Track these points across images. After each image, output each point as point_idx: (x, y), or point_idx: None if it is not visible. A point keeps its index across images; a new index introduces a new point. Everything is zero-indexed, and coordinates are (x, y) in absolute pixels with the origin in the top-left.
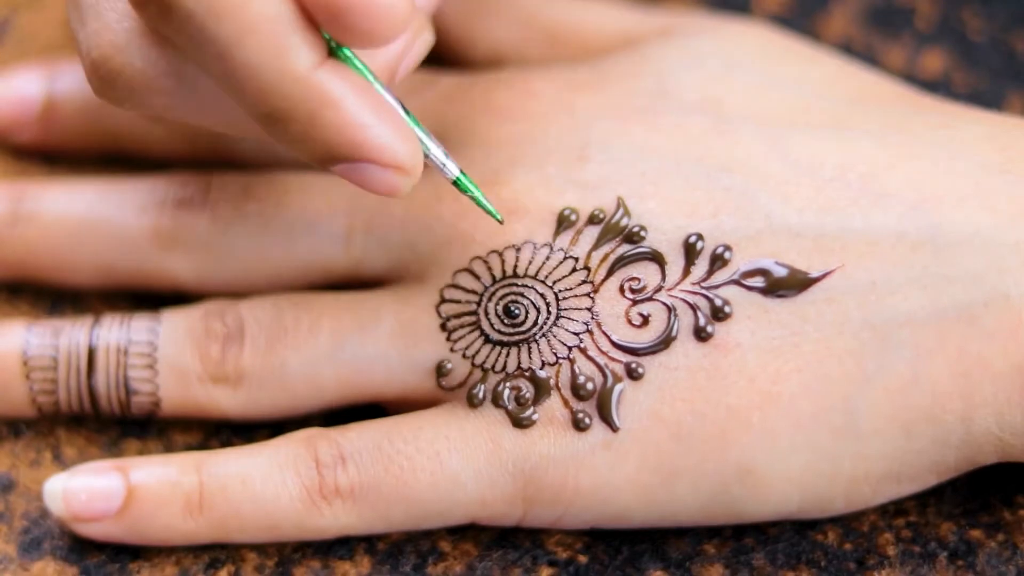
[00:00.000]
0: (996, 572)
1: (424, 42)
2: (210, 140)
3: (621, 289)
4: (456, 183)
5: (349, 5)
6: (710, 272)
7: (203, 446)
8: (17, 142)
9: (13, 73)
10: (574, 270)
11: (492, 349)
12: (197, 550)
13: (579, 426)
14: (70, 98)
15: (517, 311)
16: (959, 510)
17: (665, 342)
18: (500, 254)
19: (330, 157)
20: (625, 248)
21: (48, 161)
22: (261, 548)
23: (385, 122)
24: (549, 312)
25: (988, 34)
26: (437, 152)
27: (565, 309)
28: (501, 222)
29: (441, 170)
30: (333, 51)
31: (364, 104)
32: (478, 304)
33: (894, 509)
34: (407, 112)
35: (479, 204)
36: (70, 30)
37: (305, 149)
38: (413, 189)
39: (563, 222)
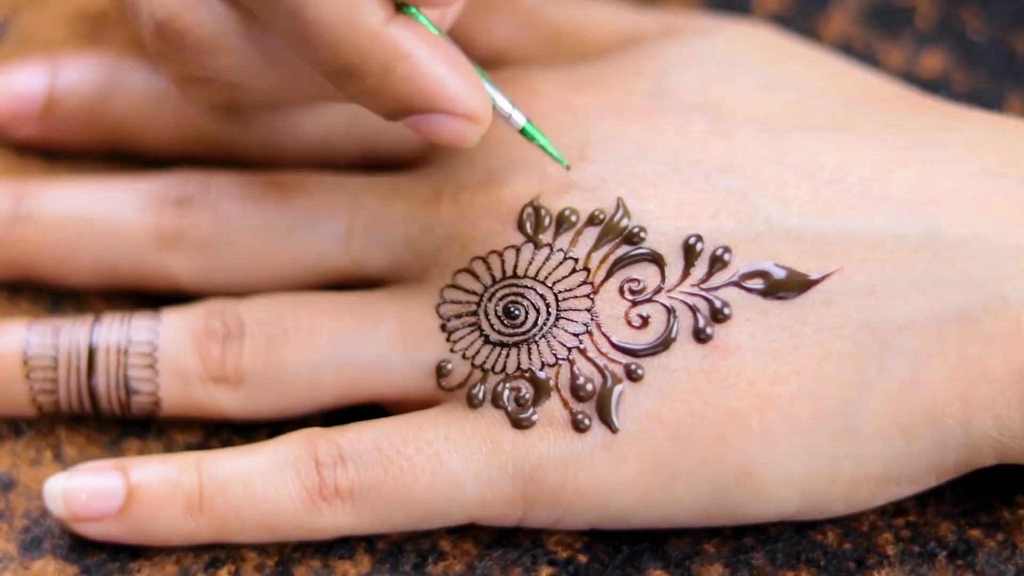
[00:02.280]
0: (995, 571)
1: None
2: (211, 137)
3: (621, 290)
4: (523, 131)
5: None
6: (709, 274)
7: (203, 446)
8: (18, 137)
9: (14, 68)
10: (574, 271)
11: (492, 350)
12: (197, 549)
13: (579, 427)
14: (72, 93)
15: (517, 312)
16: (958, 510)
17: (664, 343)
18: (500, 254)
19: (404, 109)
20: (625, 249)
21: (48, 159)
22: (261, 547)
23: (456, 73)
24: (549, 313)
25: (988, 34)
26: (504, 103)
27: (565, 310)
28: (568, 168)
29: (507, 120)
30: (399, 7)
31: (436, 56)
32: (478, 305)
33: (893, 509)
34: (474, 64)
35: (547, 151)
36: (72, 28)
37: (379, 102)
38: (414, 190)
39: (563, 223)
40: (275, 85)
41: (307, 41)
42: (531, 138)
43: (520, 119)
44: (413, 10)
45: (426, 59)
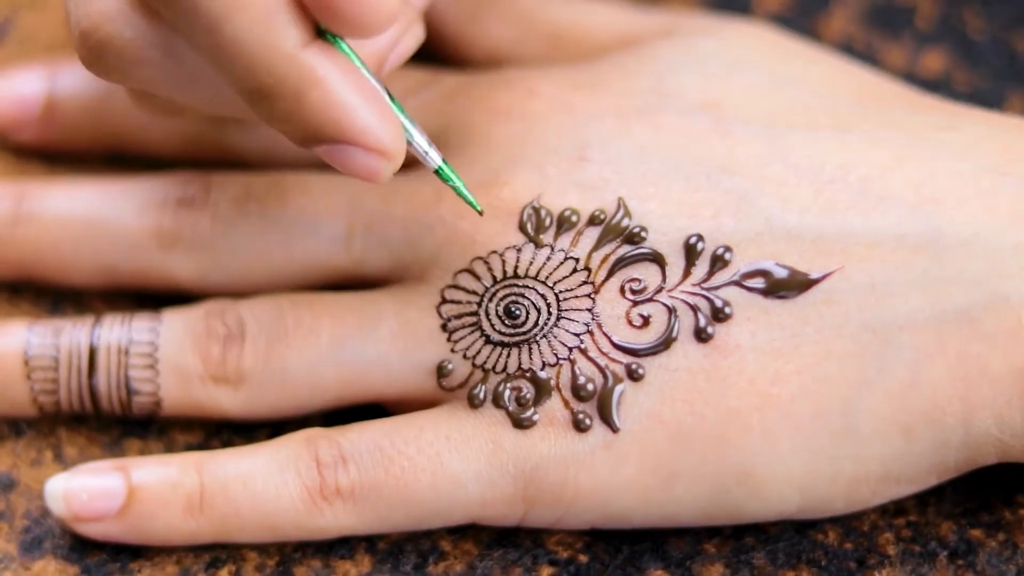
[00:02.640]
0: (996, 571)
1: (414, 36)
2: (211, 140)
3: (622, 290)
4: (438, 172)
5: None
6: (710, 273)
7: (204, 446)
8: (18, 141)
9: (14, 72)
10: (575, 271)
11: (493, 350)
12: (198, 549)
13: (580, 427)
14: (71, 97)
15: (518, 312)
16: (959, 509)
17: (665, 343)
18: (501, 255)
19: (314, 137)
20: (626, 249)
21: (49, 161)
22: (262, 547)
23: (370, 105)
24: (550, 313)
25: (989, 34)
26: (420, 140)
27: (566, 310)
28: (481, 213)
29: (423, 159)
30: (321, 34)
31: (350, 86)
32: (479, 305)
33: (894, 509)
34: (392, 99)
35: (459, 194)
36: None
37: (290, 128)
38: (414, 191)
39: (564, 223)
40: (200, 100)
41: (222, 58)
42: (446, 179)
43: (436, 159)
44: (335, 38)
45: (339, 88)
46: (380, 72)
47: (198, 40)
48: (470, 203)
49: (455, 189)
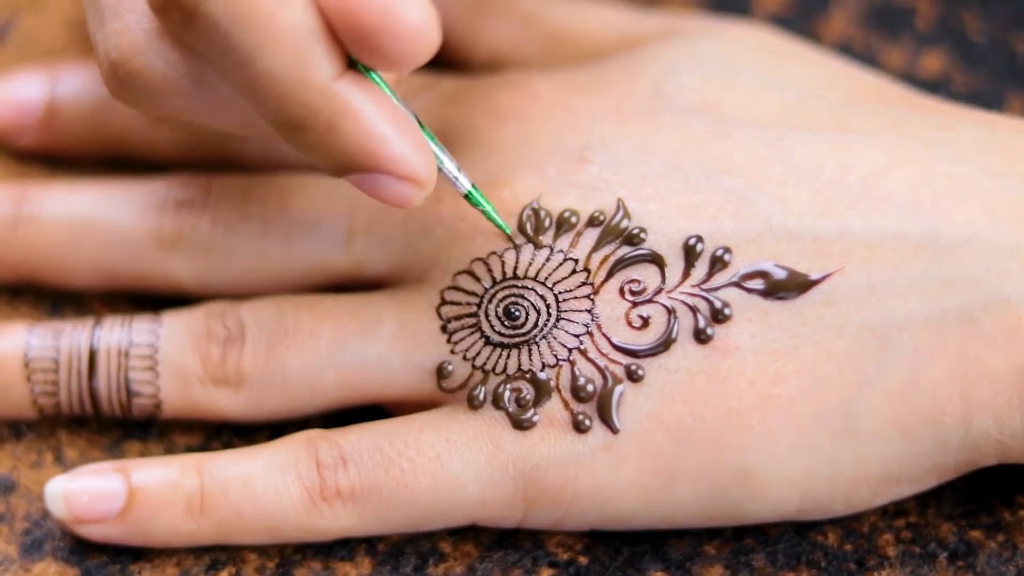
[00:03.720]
0: (996, 573)
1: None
2: (212, 144)
3: (621, 291)
4: (468, 197)
5: (377, 30)
6: (710, 274)
7: (204, 448)
8: (19, 145)
9: (15, 76)
10: (574, 272)
11: (492, 351)
12: (198, 551)
13: (579, 428)
14: (72, 102)
15: (517, 313)
16: (959, 511)
17: (665, 344)
18: (500, 256)
19: (347, 167)
20: (625, 250)
21: (49, 163)
22: (262, 549)
23: (402, 134)
24: (549, 314)
25: (988, 35)
26: (450, 166)
27: (565, 311)
28: (511, 237)
29: (454, 184)
30: (352, 64)
31: (382, 116)
32: (478, 306)
33: (894, 510)
34: (421, 125)
35: (490, 218)
36: (73, 32)
37: (322, 158)
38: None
39: (563, 224)
40: (229, 127)
41: (255, 91)
42: (475, 204)
43: (466, 183)
44: (366, 68)
45: (372, 118)
46: (395, 81)
47: (230, 73)
48: (500, 227)
49: (485, 214)
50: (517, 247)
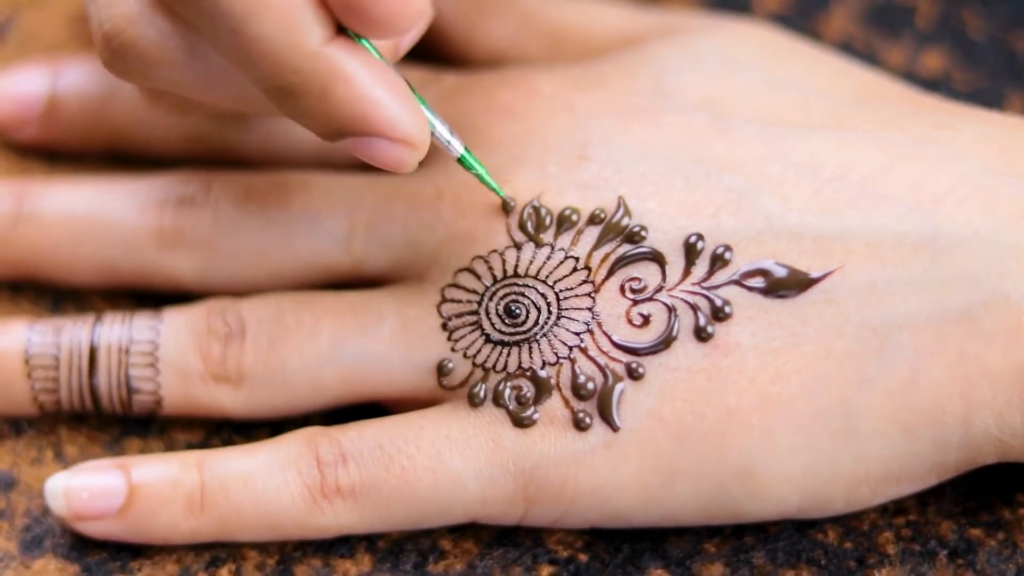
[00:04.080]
0: (996, 571)
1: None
2: (212, 139)
3: (622, 289)
4: (461, 160)
5: None
6: (710, 272)
7: (204, 444)
8: (19, 139)
9: (16, 71)
10: (575, 270)
11: (493, 349)
12: (198, 548)
13: (580, 426)
14: (73, 96)
15: (518, 311)
16: (959, 509)
17: (665, 342)
18: (501, 254)
19: (341, 131)
20: (626, 248)
21: (50, 159)
22: (262, 546)
23: (396, 97)
24: (550, 312)
25: (988, 33)
26: (443, 130)
27: (566, 309)
28: (506, 200)
29: (446, 148)
30: (343, 29)
31: (375, 79)
32: (479, 304)
33: (894, 508)
34: (413, 90)
35: (483, 181)
36: (73, 28)
37: (316, 123)
38: (415, 190)
39: (564, 222)
40: (224, 99)
41: (247, 58)
42: (469, 167)
43: (458, 147)
44: (354, 34)
45: (365, 82)
46: (394, 59)
47: (221, 41)
48: (494, 189)
49: (479, 176)
50: (518, 245)
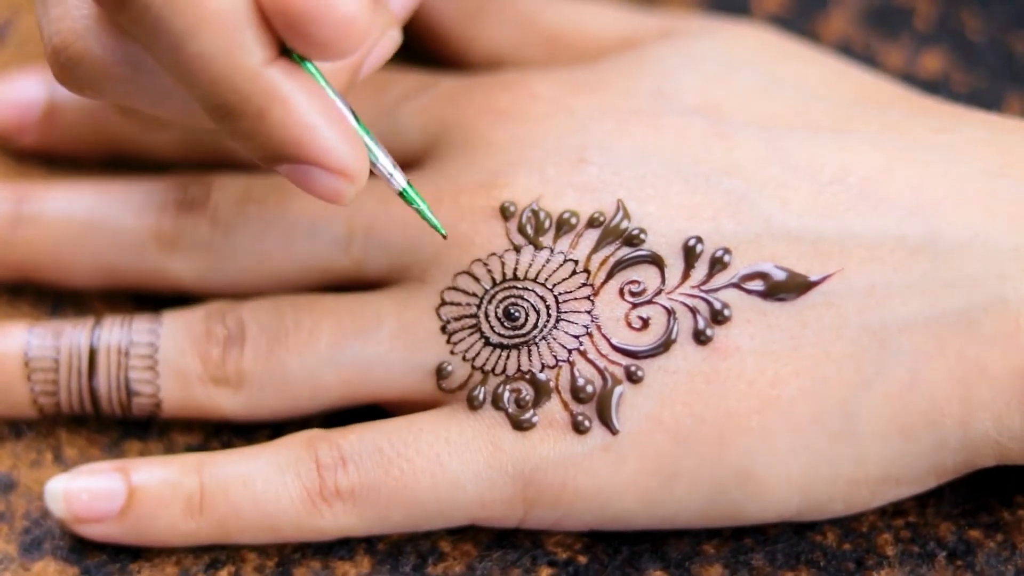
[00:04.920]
0: (995, 572)
1: (391, 40)
2: (211, 143)
3: (621, 292)
4: (402, 194)
5: (305, 16)
6: (709, 275)
7: (204, 447)
8: (19, 145)
9: (15, 76)
10: (574, 273)
11: (492, 351)
12: (197, 550)
13: (579, 429)
14: (72, 102)
15: (517, 314)
16: (958, 510)
17: (665, 345)
18: (500, 257)
19: (276, 156)
20: (625, 251)
21: (49, 162)
22: (261, 548)
23: (333, 126)
24: (549, 315)
25: (987, 34)
26: (385, 162)
27: (565, 312)
28: (445, 237)
29: (388, 180)
30: (287, 52)
31: (313, 105)
32: (478, 307)
33: (893, 509)
34: (357, 120)
35: (424, 217)
36: None
37: (253, 146)
38: (415, 189)
39: (563, 225)
40: (172, 113)
41: (187, 75)
42: (410, 202)
43: (400, 181)
44: (299, 58)
45: (302, 107)
46: (355, 80)
47: (163, 56)
48: (434, 226)
49: (419, 212)
50: (517, 248)
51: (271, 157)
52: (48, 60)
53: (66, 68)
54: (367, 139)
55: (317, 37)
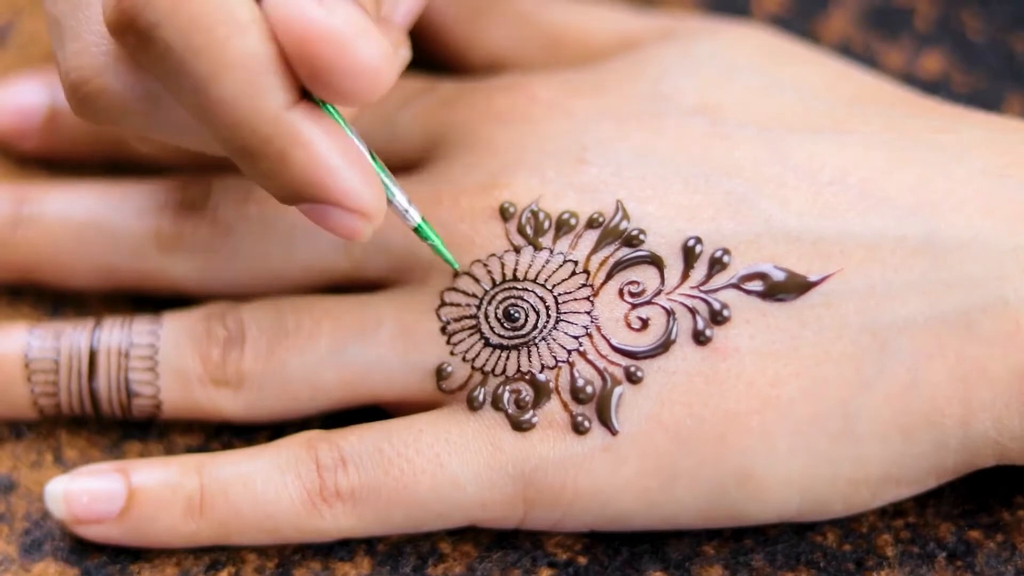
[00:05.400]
0: (995, 572)
1: (401, 58)
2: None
3: (620, 293)
4: (417, 230)
5: (330, 67)
6: (709, 276)
7: (204, 448)
8: (21, 150)
9: (17, 81)
10: (573, 273)
11: (492, 352)
12: (198, 551)
13: (578, 429)
14: None
15: (517, 314)
16: (958, 511)
17: (664, 346)
18: (500, 257)
19: (296, 196)
20: (624, 252)
21: (50, 164)
22: (261, 549)
23: (352, 167)
24: (549, 316)
25: (987, 35)
26: (401, 199)
27: (565, 313)
28: (457, 273)
29: (403, 216)
30: (307, 93)
31: (333, 147)
32: (478, 307)
33: (893, 510)
34: (375, 158)
35: (438, 252)
36: None
37: (273, 185)
38: (413, 193)
39: (562, 226)
40: (189, 145)
41: (208, 117)
42: (425, 237)
43: (416, 217)
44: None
45: (323, 149)
46: (368, 105)
47: (184, 98)
48: (449, 261)
49: (434, 248)
50: (517, 249)
51: (291, 197)
52: (66, 94)
53: (85, 103)
54: (383, 176)
55: (341, 87)
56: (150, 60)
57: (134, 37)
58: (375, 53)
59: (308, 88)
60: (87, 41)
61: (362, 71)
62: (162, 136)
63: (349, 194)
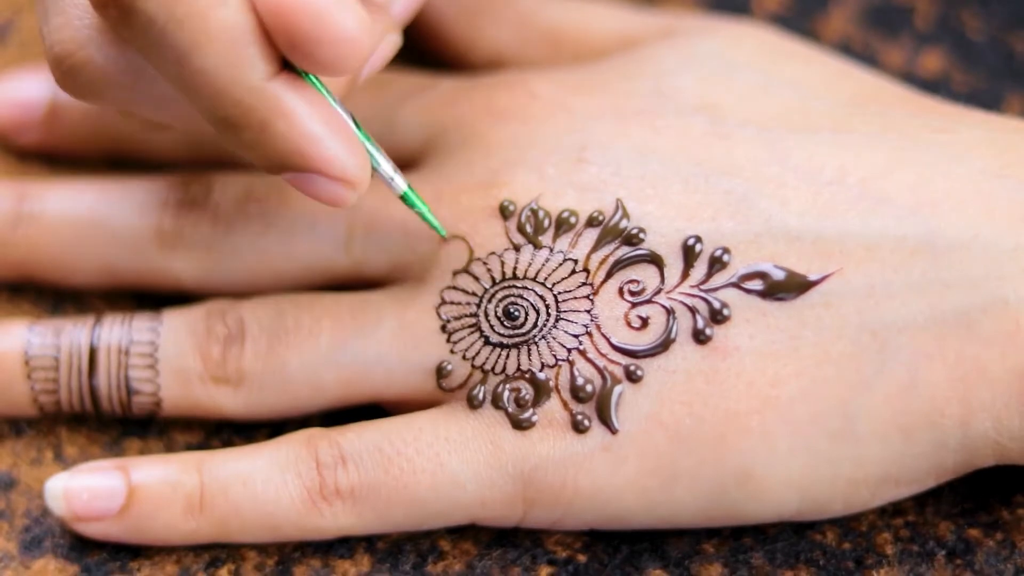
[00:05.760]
0: (994, 571)
1: (391, 43)
2: (213, 143)
3: (620, 291)
4: (403, 197)
5: (307, 36)
6: (709, 275)
7: (204, 446)
8: (21, 144)
9: (17, 75)
10: (573, 272)
11: (492, 351)
12: (197, 549)
13: (578, 428)
14: (74, 102)
15: (517, 313)
16: (957, 509)
17: (664, 345)
18: (500, 256)
19: (279, 165)
20: (624, 250)
21: (50, 161)
22: (261, 547)
23: (335, 135)
24: (549, 314)
25: (987, 34)
26: (386, 167)
27: (565, 311)
28: (445, 238)
29: (389, 184)
30: (289, 64)
31: (315, 116)
32: (478, 306)
33: (892, 509)
34: (358, 126)
35: (425, 219)
36: None
37: (256, 156)
38: (416, 193)
39: (562, 224)
40: (173, 119)
41: (190, 89)
42: (411, 205)
43: (401, 184)
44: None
45: (305, 118)
46: (356, 84)
47: (166, 70)
48: (435, 228)
49: (421, 215)
50: (517, 247)
51: (274, 166)
52: (50, 67)
53: (68, 76)
54: (368, 145)
55: (319, 56)
56: (132, 32)
57: (116, 10)
58: (352, 23)
59: (288, 58)
60: (70, 15)
61: (339, 40)
62: (145, 110)
63: (332, 162)
